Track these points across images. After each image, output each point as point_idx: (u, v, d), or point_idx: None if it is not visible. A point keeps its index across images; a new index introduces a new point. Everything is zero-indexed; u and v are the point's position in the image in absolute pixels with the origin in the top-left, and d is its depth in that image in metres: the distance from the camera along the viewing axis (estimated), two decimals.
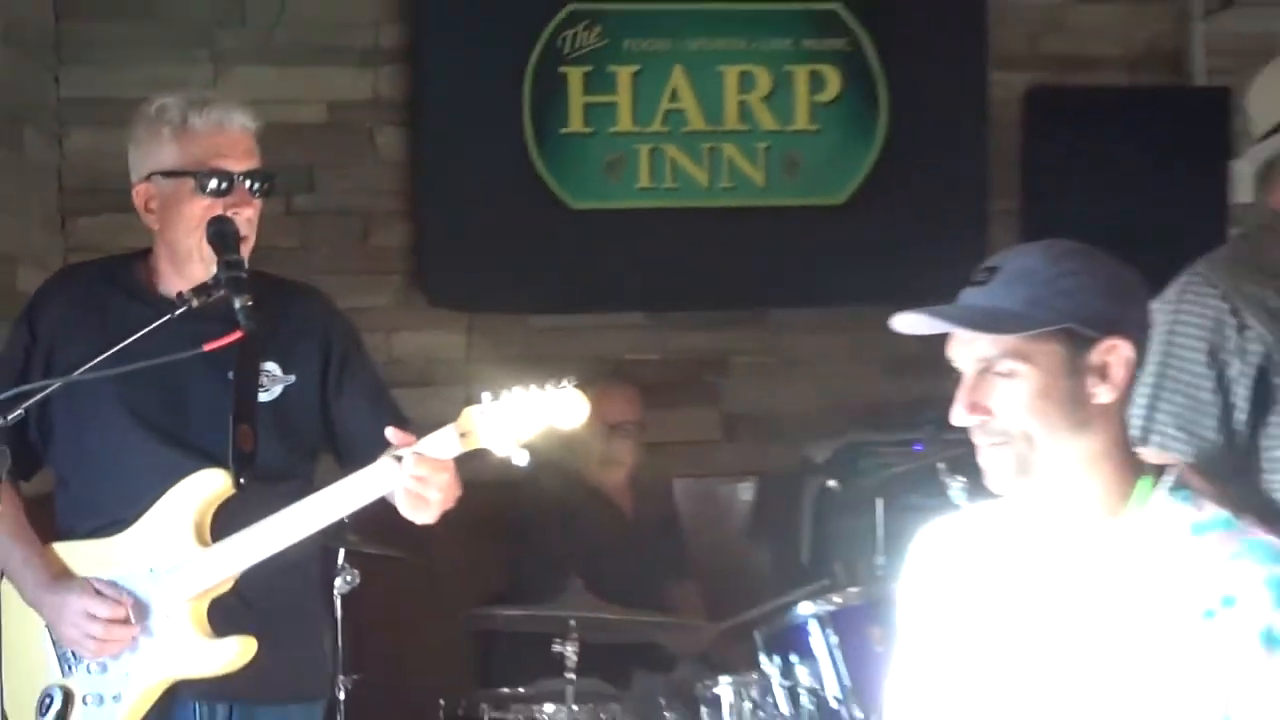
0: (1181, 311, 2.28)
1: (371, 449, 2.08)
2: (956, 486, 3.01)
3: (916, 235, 3.89)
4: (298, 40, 3.88)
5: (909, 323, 1.52)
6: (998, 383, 1.49)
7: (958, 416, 1.52)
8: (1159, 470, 1.55)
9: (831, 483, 3.60)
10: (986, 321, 1.49)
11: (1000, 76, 4.02)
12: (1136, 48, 4.10)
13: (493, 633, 3.46)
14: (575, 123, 3.90)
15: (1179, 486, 1.54)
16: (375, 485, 2.06)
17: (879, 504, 3.37)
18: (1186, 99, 4.08)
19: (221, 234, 2.12)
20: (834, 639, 2.95)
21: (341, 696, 3.02)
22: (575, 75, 3.89)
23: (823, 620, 2.98)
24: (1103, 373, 1.49)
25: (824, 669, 2.97)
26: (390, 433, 2.03)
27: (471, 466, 2.09)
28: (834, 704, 2.91)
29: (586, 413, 1.97)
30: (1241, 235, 2.45)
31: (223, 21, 3.86)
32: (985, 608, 1.59)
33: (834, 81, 3.96)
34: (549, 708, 2.98)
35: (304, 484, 2.18)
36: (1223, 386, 2.22)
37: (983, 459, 1.54)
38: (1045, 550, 1.56)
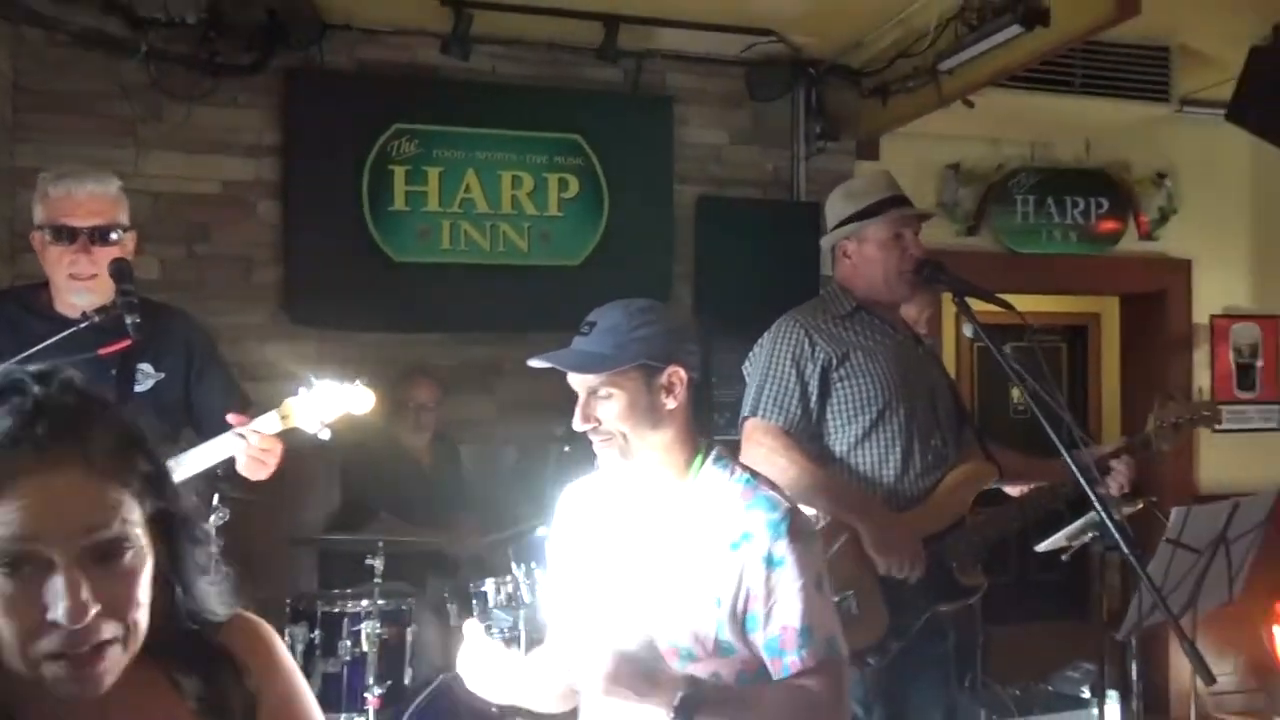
0: (779, 336, 2.36)
1: (221, 426, 1.92)
2: None
3: (626, 287, 3.82)
4: (200, 137, 3.56)
5: (539, 363, 1.49)
6: (600, 402, 1.48)
7: (577, 424, 1.50)
8: (709, 447, 1.55)
9: (566, 448, 3.53)
10: (587, 364, 1.47)
11: (681, 187, 4.04)
12: (766, 175, 4.19)
13: (327, 551, 3.25)
14: (399, 203, 3.70)
15: (719, 458, 1.54)
16: (221, 452, 1.89)
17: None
18: (794, 209, 4.16)
19: (119, 271, 1.94)
20: None
21: None
22: (399, 171, 3.70)
23: None
24: (669, 390, 1.49)
25: None
26: (230, 417, 1.86)
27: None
28: None
29: (372, 403, 1.86)
30: (820, 294, 2.53)
31: (144, 119, 3.50)
32: (602, 540, 1.57)
33: (574, 185, 3.89)
34: (364, 602, 2.80)
35: (169, 450, 1.96)
36: (803, 380, 2.29)
37: (596, 450, 1.52)
38: (640, 502, 1.54)
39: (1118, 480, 2.45)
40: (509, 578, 2.94)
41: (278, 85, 3.61)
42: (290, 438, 2.02)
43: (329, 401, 1.84)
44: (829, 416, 2.32)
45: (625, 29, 3.70)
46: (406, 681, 2.84)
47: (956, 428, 2.46)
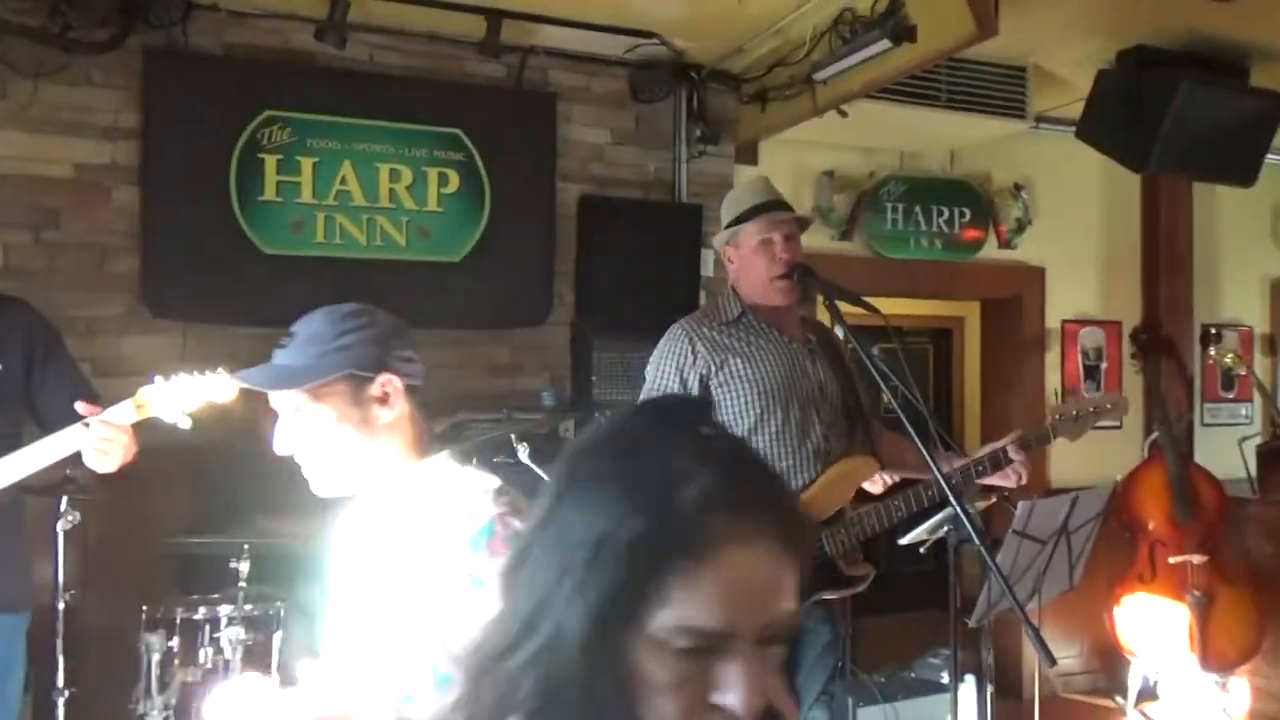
0: (667, 343, 2.43)
1: (67, 418, 1.81)
2: (522, 449, 2.95)
3: (507, 285, 3.85)
4: (49, 116, 3.33)
5: (238, 380, 1.39)
6: (305, 420, 1.36)
7: (279, 448, 1.37)
8: (438, 454, 1.44)
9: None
10: (281, 380, 1.35)
11: (564, 185, 4.03)
12: (648, 176, 4.22)
13: (189, 555, 3.10)
14: (270, 193, 3.56)
15: (443, 465, 1.42)
16: (67, 444, 1.79)
17: (475, 459, 3.26)
18: (675, 210, 4.21)
19: None
20: None
21: (61, 607, 2.61)
22: (270, 160, 3.56)
23: None
24: (383, 400, 1.37)
25: None
26: (79, 406, 1.76)
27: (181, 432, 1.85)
28: None
29: (235, 391, 1.77)
30: (716, 299, 2.60)
31: None
32: (346, 567, 1.46)
33: (455, 180, 3.83)
34: (226, 607, 2.68)
35: (10, 444, 1.84)
36: (685, 386, 2.35)
37: (306, 475, 1.38)
38: (368, 524, 1.43)
39: (1015, 473, 2.54)
40: None
41: (137, 64, 3.42)
42: (151, 434, 1.92)
43: (188, 391, 1.76)
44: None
45: (508, 24, 3.67)
46: None
47: (846, 425, 2.54)
